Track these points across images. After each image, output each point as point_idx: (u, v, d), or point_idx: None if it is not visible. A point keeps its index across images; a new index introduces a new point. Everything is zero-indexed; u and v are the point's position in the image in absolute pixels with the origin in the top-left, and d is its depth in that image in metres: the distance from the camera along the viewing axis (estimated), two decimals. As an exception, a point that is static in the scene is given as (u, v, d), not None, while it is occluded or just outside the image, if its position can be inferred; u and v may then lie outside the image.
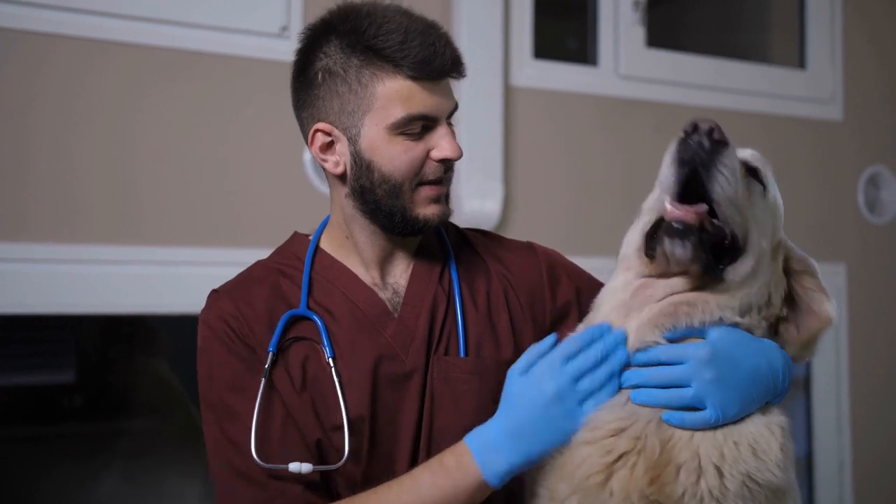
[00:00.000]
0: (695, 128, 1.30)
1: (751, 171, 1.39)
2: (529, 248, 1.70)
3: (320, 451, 1.48)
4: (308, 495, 1.45)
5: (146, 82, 2.53)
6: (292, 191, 2.64)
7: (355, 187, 1.51)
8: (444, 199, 1.53)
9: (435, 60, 1.43)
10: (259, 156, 2.63)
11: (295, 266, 1.58)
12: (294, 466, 1.44)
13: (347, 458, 1.46)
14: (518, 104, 2.95)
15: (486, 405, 1.50)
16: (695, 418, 1.32)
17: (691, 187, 1.31)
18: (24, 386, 3.34)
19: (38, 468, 3.27)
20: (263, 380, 1.47)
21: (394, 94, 1.44)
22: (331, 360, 1.49)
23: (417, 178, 1.48)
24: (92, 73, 2.47)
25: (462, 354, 1.55)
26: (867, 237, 3.49)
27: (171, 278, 2.53)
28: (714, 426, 1.32)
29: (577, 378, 1.35)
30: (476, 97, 2.83)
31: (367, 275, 1.57)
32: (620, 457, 1.31)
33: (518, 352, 1.44)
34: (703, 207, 1.30)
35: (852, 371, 3.43)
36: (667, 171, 1.33)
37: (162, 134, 2.55)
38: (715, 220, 1.31)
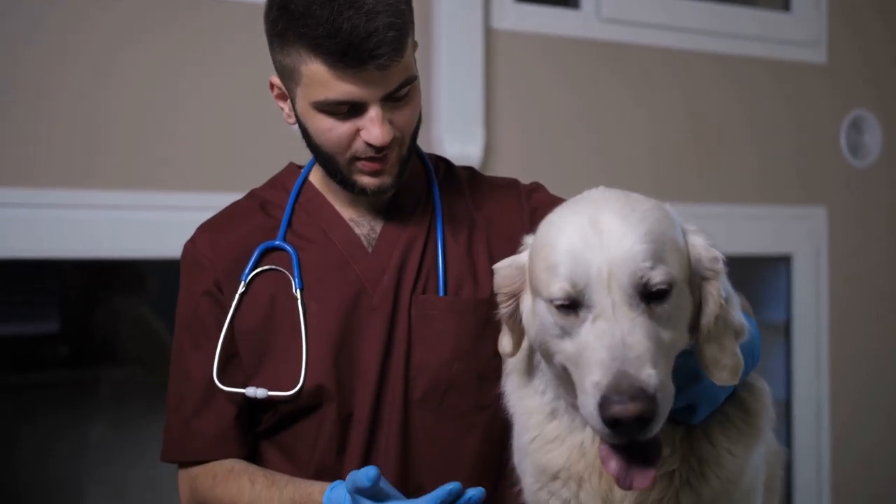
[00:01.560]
0: (616, 423, 1.13)
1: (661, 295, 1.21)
2: (514, 187, 1.71)
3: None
4: (223, 444, 1.54)
5: (127, 26, 2.51)
6: (279, 134, 2.62)
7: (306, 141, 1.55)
8: (385, 171, 1.52)
9: (358, 50, 1.39)
10: (244, 99, 2.61)
11: (281, 197, 1.63)
12: (250, 391, 1.51)
13: (305, 390, 1.50)
14: (499, 47, 2.92)
15: (463, 343, 1.53)
16: (686, 418, 1.32)
17: None
18: (9, 336, 3.34)
19: (23, 416, 3.28)
20: (230, 314, 1.53)
21: (314, 77, 1.44)
22: (298, 293, 1.53)
23: (349, 154, 1.50)
24: (72, 16, 2.45)
25: (441, 293, 1.57)
26: (849, 180, 3.50)
27: (154, 223, 2.53)
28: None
29: None
30: (457, 40, 2.80)
31: (347, 210, 1.60)
32: None
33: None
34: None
35: (832, 314, 3.45)
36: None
37: (142, 77, 2.53)
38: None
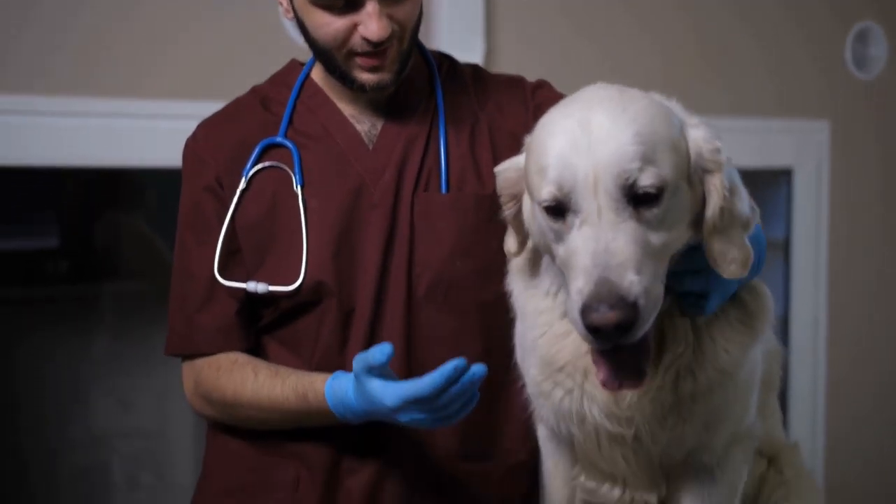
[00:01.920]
0: (596, 330, 1.14)
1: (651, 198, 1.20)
2: (519, 84, 1.70)
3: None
4: (227, 337, 1.55)
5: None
6: (278, 42, 2.60)
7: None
8: (384, 67, 1.50)
9: None
10: (242, 5, 2.58)
11: (283, 93, 1.62)
12: (251, 285, 1.52)
13: (306, 285, 1.51)
14: (501, -48, 2.88)
15: (465, 240, 1.54)
16: (696, 310, 1.32)
17: None
18: (9, 251, 3.34)
19: (23, 330, 3.31)
20: (231, 209, 1.53)
21: None
22: (299, 189, 1.53)
23: (346, 49, 1.48)
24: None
25: (444, 190, 1.57)
26: (853, 94, 3.46)
27: (151, 131, 2.50)
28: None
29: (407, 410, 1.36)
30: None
31: (348, 107, 1.59)
32: None
33: None
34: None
35: (832, 231, 3.44)
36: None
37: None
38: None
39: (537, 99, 1.64)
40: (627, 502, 1.49)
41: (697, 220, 1.25)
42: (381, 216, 1.54)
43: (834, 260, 3.45)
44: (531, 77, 1.74)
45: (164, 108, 2.51)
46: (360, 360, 1.35)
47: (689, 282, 1.28)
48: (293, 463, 1.57)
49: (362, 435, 1.54)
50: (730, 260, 1.24)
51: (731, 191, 1.24)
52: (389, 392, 1.33)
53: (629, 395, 1.31)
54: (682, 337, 1.33)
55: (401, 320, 1.54)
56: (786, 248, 3.46)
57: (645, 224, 1.17)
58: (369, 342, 1.53)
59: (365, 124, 1.59)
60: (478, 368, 1.32)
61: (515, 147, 1.59)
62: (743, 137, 3.23)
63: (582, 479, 1.51)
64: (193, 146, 1.60)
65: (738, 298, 1.37)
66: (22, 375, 3.33)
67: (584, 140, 1.17)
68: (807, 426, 3.39)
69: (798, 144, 3.38)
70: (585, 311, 1.12)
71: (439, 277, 1.55)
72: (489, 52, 2.84)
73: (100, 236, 3.44)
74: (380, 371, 1.34)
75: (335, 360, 1.54)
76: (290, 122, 1.59)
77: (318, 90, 1.61)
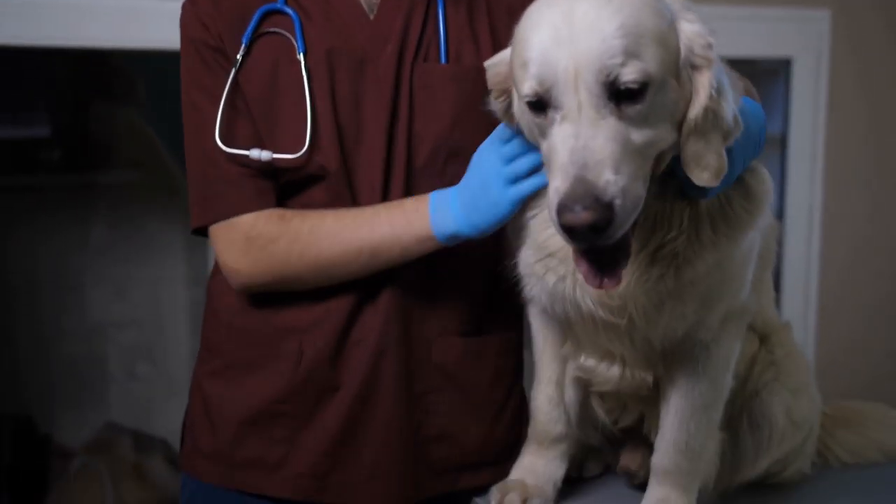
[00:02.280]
0: (571, 230, 1.12)
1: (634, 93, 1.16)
2: None
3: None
4: (263, 195, 1.52)
5: None
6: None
7: None
8: None
9: None
10: None
11: None
12: (255, 153, 1.50)
13: (311, 155, 1.50)
14: None
15: (464, 112, 1.53)
16: (698, 193, 1.30)
17: None
18: (0, 139, 3.32)
19: (18, 217, 3.30)
20: (231, 73, 1.50)
21: None
22: (301, 56, 1.50)
23: None
24: None
25: (443, 61, 1.55)
26: (856, -18, 3.39)
27: (145, 11, 2.44)
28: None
29: (509, 160, 1.38)
30: None
31: None
32: None
33: None
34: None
35: (829, 126, 3.41)
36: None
37: None
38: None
39: None
40: (628, 379, 1.51)
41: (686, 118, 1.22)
42: (384, 87, 1.52)
43: (830, 154, 3.43)
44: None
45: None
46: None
47: None
48: (297, 336, 1.58)
49: (365, 309, 1.56)
50: (704, 166, 1.21)
51: (719, 91, 1.19)
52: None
53: (622, 286, 1.30)
54: (676, 223, 1.32)
55: (401, 192, 1.54)
56: (783, 144, 3.43)
57: (627, 121, 1.14)
58: None
59: None
60: None
61: (513, 23, 1.56)
62: (741, 26, 3.18)
63: (582, 358, 1.52)
64: (192, 9, 1.55)
65: (740, 179, 1.36)
66: (15, 265, 3.33)
67: (566, 32, 1.14)
68: (799, 303, 3.43)
69: (798, 34, 3.32)
70: (561, 210, 1.11)
71: (438, 148, 1.54)
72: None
73: (92, 126, 3.42)
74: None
75: None
76: None
77: None
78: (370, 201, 1.53)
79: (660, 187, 1.29)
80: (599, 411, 1.64)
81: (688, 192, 1.30)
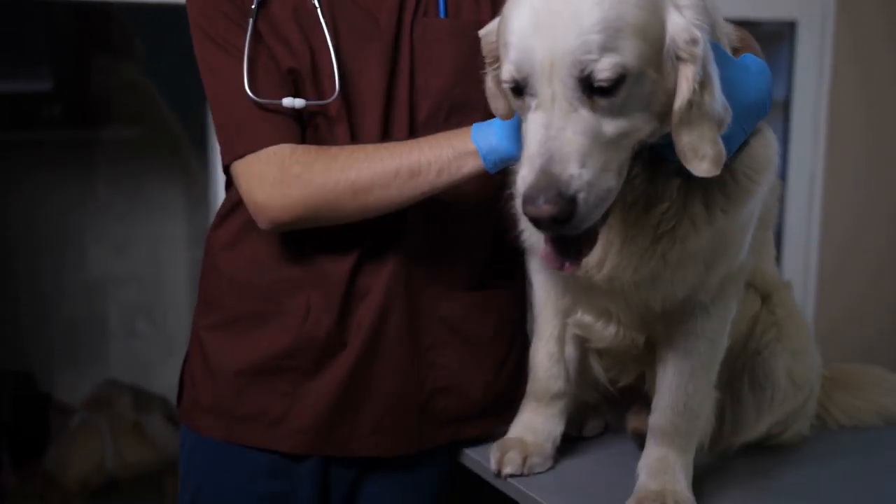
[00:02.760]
0: (534, 220, 1.14)
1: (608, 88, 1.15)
2: None
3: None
4: (293, 131, 1.50)
5: None
6: None
7: None
8: None
9: None
10: None
11: None
12: (287, 101, 1.49)
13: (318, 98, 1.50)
14: None
15: (464, 66, 1.52)
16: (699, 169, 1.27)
17: None
18: (1, 94, 3.30)
19: (18, 172, 3.29)
20: (250, 26, 1.48)
21: None
22: (316, 1, 1.50)
23: None
24: None
25: (442, 15, 1.55)
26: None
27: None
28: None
29: None
30: None
31: None
32: None
33: (495, 13, 1.39)
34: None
35: (833, 90, 3.39)
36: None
37: None
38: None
39: None
40: (621, 338, 1.52)
41: (670, 108, 1.21)
42: (385, 43, 1.51)
43: (834, 119, 3.41)
44: None
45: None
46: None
47: None
48: (304, 290, 1.57)
49: (371, 266, 1.56)
50: (701, 156, 1.20)
51: (702, 84, 1.18)
52: None
53: (613, 263, 1.33)
54: (672, 196, 1.32)
55: None
56: (786, 109, 3.42)
57: (600, 112, 1.14)
58: None
59: None
60: None
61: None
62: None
63: (579, 314, 1.53)
64: None
65: (745, 143, 1.34)
66: (15, 221, 3.32)
67: (546, 19, 1.13)
68: (800, 267, 3.43)
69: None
70: (525, 200, 1.12)
71: (439, 103, 1.54)
72: None
73: (94, 81, 3.39)
74: None
75: None
76: None
77: None
78: None
79: (654, 168, 1.29)
80: (598, 369, 1.64)
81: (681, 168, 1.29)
